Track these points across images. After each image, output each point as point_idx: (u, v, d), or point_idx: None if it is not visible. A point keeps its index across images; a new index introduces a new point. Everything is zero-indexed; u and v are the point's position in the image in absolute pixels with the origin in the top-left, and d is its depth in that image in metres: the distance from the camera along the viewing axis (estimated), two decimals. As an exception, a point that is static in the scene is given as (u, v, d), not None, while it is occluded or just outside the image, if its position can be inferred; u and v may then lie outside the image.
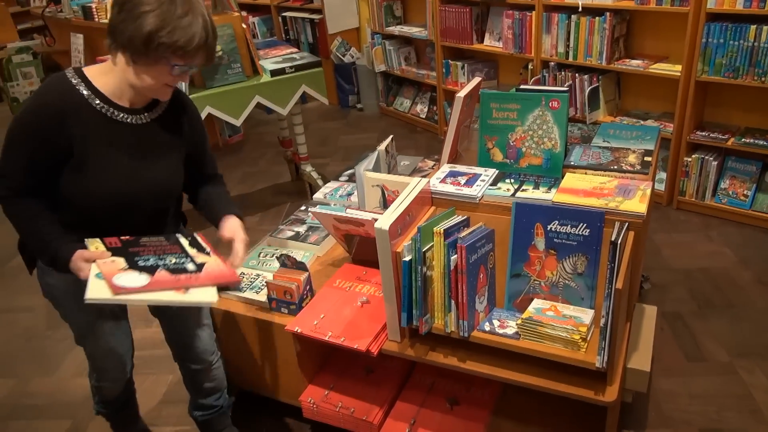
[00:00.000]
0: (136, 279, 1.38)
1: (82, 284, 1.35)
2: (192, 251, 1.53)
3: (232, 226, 1.61)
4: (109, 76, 1.39)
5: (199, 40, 1.32)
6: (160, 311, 1.73)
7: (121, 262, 1.41)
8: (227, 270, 1.52)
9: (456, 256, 1.52)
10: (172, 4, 1.29)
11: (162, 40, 1.28)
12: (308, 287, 1.87)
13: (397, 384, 1.93)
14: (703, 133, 3.00)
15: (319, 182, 3.49)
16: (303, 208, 2.44)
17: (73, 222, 1.44)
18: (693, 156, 3.04)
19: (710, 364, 2.18)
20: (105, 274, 1.36)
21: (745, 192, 2.97)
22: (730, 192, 3.02)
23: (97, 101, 1.38)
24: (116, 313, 1.64)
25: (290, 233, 2.22)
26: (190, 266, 1.46)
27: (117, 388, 1.79)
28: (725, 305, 2.46)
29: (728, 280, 2.61)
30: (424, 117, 4.64)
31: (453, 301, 1.56)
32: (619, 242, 1.36)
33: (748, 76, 2.73)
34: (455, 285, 1.54)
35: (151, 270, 1.41)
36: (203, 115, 2.99)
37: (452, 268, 1.52)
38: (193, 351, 1.76)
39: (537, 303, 1.63)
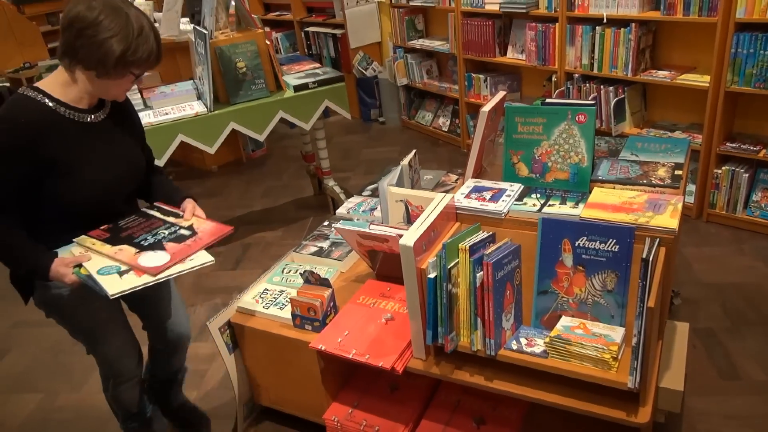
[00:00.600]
0: (158, 257, 1.48)
1: (84, 289, 1.47)
2: (170, 219, 1.64)
3: (189, 205, 1.73)
4: (70, 88, 1.49)
5: (155, 48, 1.46)
6: (147, 300, 1.81)
7: (128, 248, 1.49)
8: (215, 223, 1.63)
9: (482, 273, 1.49)
10: (128, 24, 1.41)
11: (129, 59, 1.42)
12: (332, 304, 1.86)
13: (422, 402, 1.91)
14: (734, 145, 2.93)
15: (342, 196, 3.49)
16: (326, 223, 2.43)
17: (55, 219, 1.54)
18: (723, 168, 2.98)
19: (745, 383, 2.11)
20: (128, 262, 1.45)
21: (776, 204, 2.89)
22: (763, 204, 2.94)
23: (63, 109, 1.48)
24: (119, 308, 1.73)
25: (313, 249, 2.22)
26: (185, 232, 1.59)
27: (135, 392, 1.84)
28: (760, 322, 2.39)
29: (762, 296, 2.53)
30: (446, 130, 4.63)
31: (479, 319, 1.53)
32: (650, 259, 1.32)
33: (780, 86, 2.67)
34: (481, 302, 1.51)
35: (158, 246, 1.49)
36: (227, 131, 3.01)
37: (478, 285, 1.50)
38: (175, 331, 1.91)
39: (565, 320, 1.59)
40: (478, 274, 1.50)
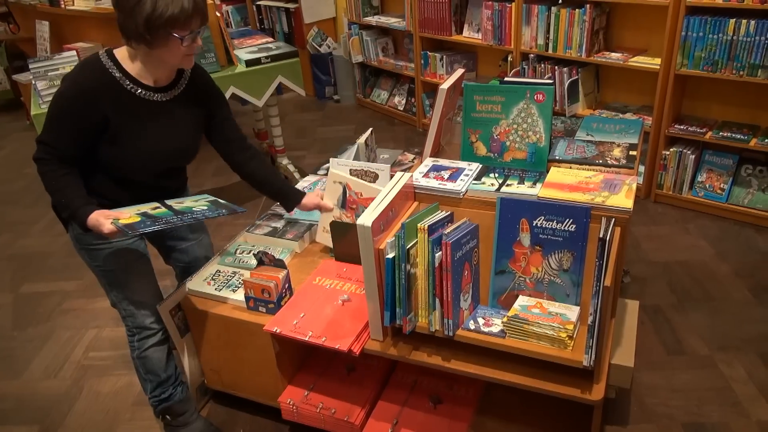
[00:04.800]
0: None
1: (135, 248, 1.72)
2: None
3: (313, 198, 1.94)
4: (134, 61, 1.56)
5: (188, 4, 1.45)
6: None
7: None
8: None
9: (440, 253, 1.48)
10: None
11: (161, 19, 1.42)
12: (287, 285, 1.82)
13: (379, 383, 1.89)
14: (682, 127, 3.01)
15: (296, 175, 3.42)
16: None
17: (107, 181, 1.65)
18: (671, 149, 3.05)
19: (690, 358, 2.18)
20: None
21: (721, 186, 2.99)
22: (707, 185, 3.03)
23: (128, 82, 1.55)
24: (146, 258, 1.81)
25: (267, 229, 2.16)
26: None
27: (162, 353, 1.84)
28: (704, 298, 2.48)
29: (707, 273, 2.62)
30: (402, 109, 4.60)
31: (437, 299, 1.52)
32: (607, 239, 1.33)
33: (727, 70, 2.74)
34: (440, 283, 1.50)
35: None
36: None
37: (437, 265, 1.48)
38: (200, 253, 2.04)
39: (522, 300, 1.60)
40: (436, 254, 1.48)
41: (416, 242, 1.52)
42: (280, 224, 2.18)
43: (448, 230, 1.53)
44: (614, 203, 1.54)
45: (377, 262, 1.53)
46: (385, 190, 1.63)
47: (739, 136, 2.85)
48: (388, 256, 1.50)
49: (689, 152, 3.02)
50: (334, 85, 5.11)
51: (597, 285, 1.33)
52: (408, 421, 1.77)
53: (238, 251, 2.07)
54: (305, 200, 1.92)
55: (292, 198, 1.92)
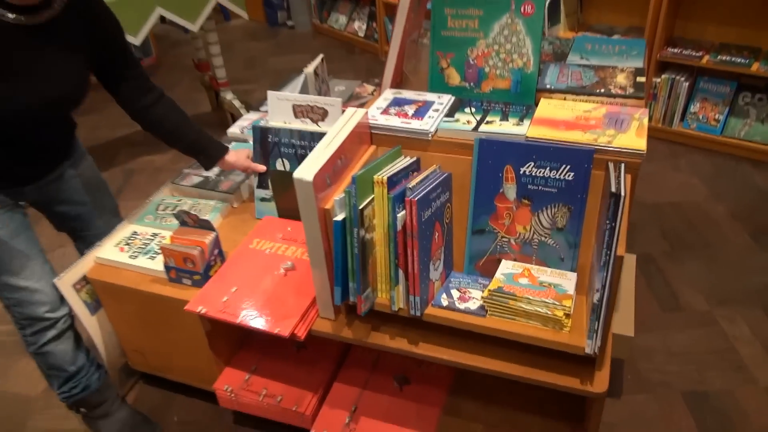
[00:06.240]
0: None
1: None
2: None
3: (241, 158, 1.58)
4: None
5: None
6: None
7: None
8: None
9: (404, 212, 1.14)
10: None
11: None
12: (217, 251, 1.47)
13: (334, 361, 1.60)
14: (675, 50, 2.67)
15: (243, 111, 3.00)
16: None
17: None
18: (662, 76, 2.73)
19: (688, 315, 1.94)
20: None
21: (716, 116, 2.70)
22: (700, 116, 2.74)
23: None
24: (32, 234, 1.42)
25: (197, 179, 1.79)
26: None
27: (67, 344, 1.47)
28: (700, 245, 2.22)
29: (701, 216, 2.36)
30: (362, 36, 4.14)
31: (401, 271, 1.19)
32: (621, 193, 1.01)
33: (730, -17, 2.39)
34: (403, 250, 1.17)
35: None
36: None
37: (399, 228, 1.15)
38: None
39: (506, 266, 1.29)
40: (398, 215, 1.15)
41: (373, 199, 1.18)
42: (213, 172, 1.81)
43: (413, 182, 1.19)
44: (623, 144, 1.22)
45: (323, 226, 1.19)
46: (332, 132, 1.27)
47: (739, 60, 2.53)
48: (336, 219, 1.16)
49: (683, 79, 2.70)
50: (287, 10, 4.59)
51: (607, 253, 1.02)
52: (369, 407, 1.49)
53: (160, 208, 1.70)
54: (229, 157, 1.55)
55: (211, 153, 1.53)
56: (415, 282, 1.18)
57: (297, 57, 4.10)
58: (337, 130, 1.28)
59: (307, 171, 1.13)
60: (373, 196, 1.18)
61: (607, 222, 1.01)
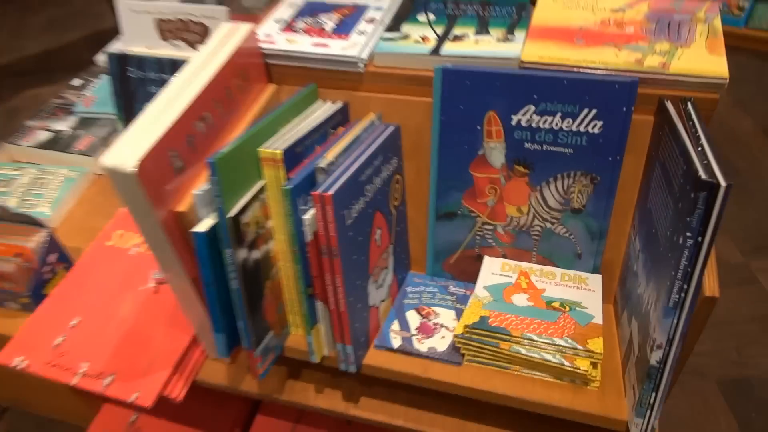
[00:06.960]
0: None
1: None
2: None
3: None
4: None
5: None
6: None
7: None
8: None
9: (313, 212, 0.65)
10: None
11: None
12: (55, 256, 0.97)
13: (248, 402, 1.15)
14: None
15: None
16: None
17: None
18: (675, -46, 2.16)
19: (719, 270, 1.52)
20: None
21: (740, 3, 2.16)
22: (721, 5, 2.20)
23: None
24: None
25: (44, 135, 1.25)
26: None
27: None
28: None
29: (726, 133, 1.89)
30: None
31: (319, 303, 0.72)
32: (721, 182, 0.52)
33: None
34: (319, 273, 0.69)
35: None
36: None
37: (309, 239, 0.66)
38: None
39: (491, 268, 0.82)
40: (305, 217, 0.65)
41: (262, 190, 0.68)
42: (68, 123, 1.27)
43: (331, 153, 0.69)
44: (689, 68, 0.71)
45: (178, 241, 0.69)
46: (188, 70, 0.74)
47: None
48: (196, 229, 0.66)
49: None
50: None
51: (683, 289, 0.55)
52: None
53: (-13, 183, 1.18)
54: None
55: None
56: (342, 323, 0.71)
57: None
58: (197, 65, 0.74)
59: (125, 152, 0.61)
60: (262, 184, 0.68)
61: (688, 236, 0.53)
